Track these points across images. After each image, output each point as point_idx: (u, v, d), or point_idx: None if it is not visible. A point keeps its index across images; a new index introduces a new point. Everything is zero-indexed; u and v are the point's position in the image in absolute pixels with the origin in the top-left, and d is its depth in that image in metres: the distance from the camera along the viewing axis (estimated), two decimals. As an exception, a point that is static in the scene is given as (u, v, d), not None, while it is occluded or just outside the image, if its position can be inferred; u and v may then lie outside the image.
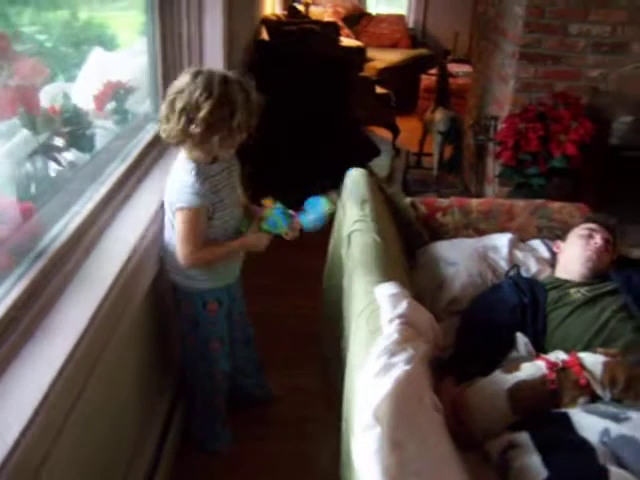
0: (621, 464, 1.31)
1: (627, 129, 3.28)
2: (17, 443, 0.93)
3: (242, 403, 2.19)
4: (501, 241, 2.23)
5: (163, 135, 1.65)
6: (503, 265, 2.14)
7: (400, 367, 1.19)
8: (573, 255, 2.01)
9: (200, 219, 1.68)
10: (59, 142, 1.53)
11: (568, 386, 1.52)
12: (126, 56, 2.31)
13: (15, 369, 1.08)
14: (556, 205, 2.38)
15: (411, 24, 7.46)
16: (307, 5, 5.82)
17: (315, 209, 1.84)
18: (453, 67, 5.97)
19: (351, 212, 1.95)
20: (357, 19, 7.18)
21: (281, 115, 3.75)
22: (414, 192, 4.16)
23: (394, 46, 7.00)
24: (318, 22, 5.10)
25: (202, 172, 1.67)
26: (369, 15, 7.39)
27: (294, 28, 4.31)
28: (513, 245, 2.22)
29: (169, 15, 2.30)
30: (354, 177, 2.16)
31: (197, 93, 1.56)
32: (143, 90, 2.21)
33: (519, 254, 2.19)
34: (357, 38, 6.58)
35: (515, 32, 3.43)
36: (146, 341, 1.85)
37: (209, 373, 1.94)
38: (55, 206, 1.47)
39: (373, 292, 1.46)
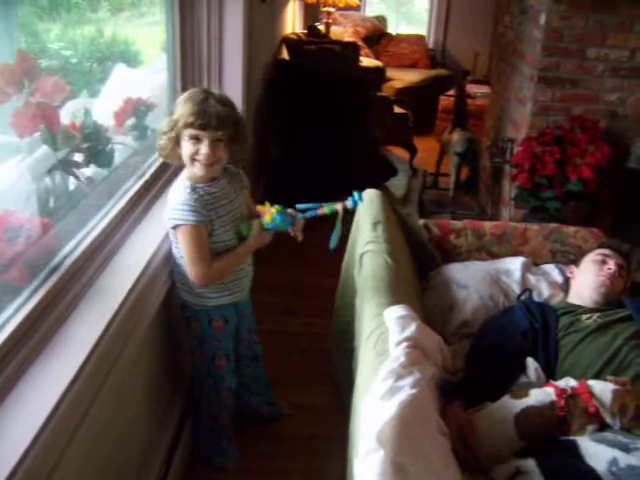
0: (628, 495, 1.30)
1: (645, 153, 3.28)
2: (25, 455, 0.94)
3: (251, 420, 2.19)
4: (514, 264, 2.22)
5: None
6: (515, 289, 2.14)
7: (406, 390, 1.19)
8: (586, 280, 2.00)
9: (201, 236, 1.69)
10: (78, 158, 1.56)
11: (577, 413, 1.50)
12: (148, 73, 2.35)
13: (26, 382, 1.10)
14: (570, 229, 2.37)
15: (431, 44, 7.49)
16: (328, 25, 5.87)
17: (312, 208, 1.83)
18: (472, 88, 5.98)
19: (364, 232, 1.96)
20: (377, 39, 7.23)
21: (299, 133, 3.80)
22: (430, 213, 4.17)
23: (413, 66, 7.03)
24: (338, 42, 5.14)
25: (197, 190, 1.69)
26: (389, 35, 7.43)
27: (314, 48, 4.36)
28: (526, 269, 2.21)
29: (189, 33, 2.33)
30: (369, 197, 2.18)
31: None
32: (162, 107, 2.25)
33: (532, 278, 2.18)
34: (377, 58, 6.61)
35: (533, 55, 3.44)
36: (156, 357, 1.87)
37: (215, 390, 1.95)
38: (72, 221, 1.49)
39: (382, 315, 1.47)
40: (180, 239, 1.69)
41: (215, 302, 1.82)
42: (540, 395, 1.55)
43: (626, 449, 1.39)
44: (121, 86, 1.95)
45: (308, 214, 1.80)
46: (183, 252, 1.71)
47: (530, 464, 1.40)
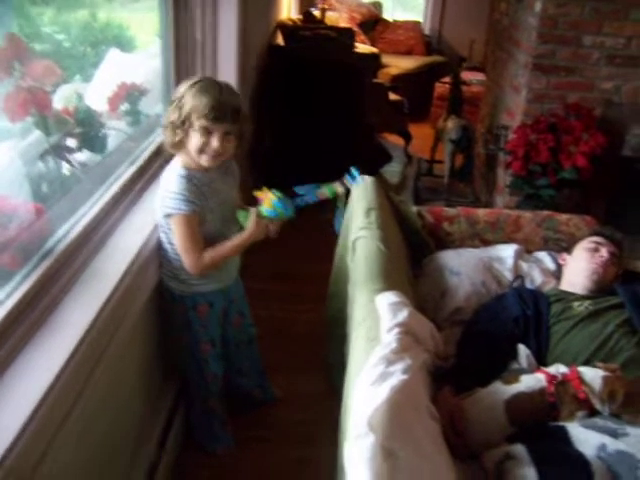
0: (616, 480, 1.32)
1: (640, 141, 3.28)
2: (18, 437, 0.95)
3: (243, 405, 2.21)
4: (506, 252, 2.23)
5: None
6: (508, 276, 2.15)
7: (397, 376, 1.19)
8: (578, 268, 2.01)
9: (193, 225, 1.68)
10: (72, 143, 1.56)
11: (567, 399, 1.51)
12: (142, 58, 2.34)
13: (20, 365, 1.11)
14: (563, 217, 2.38)
15: (427, 31, 7.45)
16: (323, 11, 5.83)
17: (311, 190, 1.81)
18: (467, 75, 5.96)
19: (357, 219, 1.96)
20: (373, 25, 7.18)
21: (293, 120, 3.78)
22: (425, 200, 4.18)
23: (409, 53, 7.00)
24: (334, 28, 5.10)
25: (191, 179, 1.67)
26: (385, 21, 7.39)
27: (309, 33, 4.33)
28: (518, 256, 2.22)
29: (183, 18, 2.31)
30: (363, 184, 2.17)
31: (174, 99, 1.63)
32: (156, 93, 2.23)
33: (524, 265, 2.19)
34: (373, 44, 6.57)
35: (529, 42, 3.43)
36: (149, 341, 1.87)
37: (200, 374, 1.95)
38: (64, 206, 1.49)
39: (374, 301, 1.47)
40: (174, 228, 1.69)
41: (200, 289, 1.82)
42: (530, 381, 1.56)
43: (615, 435, 1.40)
44: (115, 71, 1.94)
45: (309, 199, 1.79)
46: (177, 241, 1.70)
47: (520, 449, 1.41)
